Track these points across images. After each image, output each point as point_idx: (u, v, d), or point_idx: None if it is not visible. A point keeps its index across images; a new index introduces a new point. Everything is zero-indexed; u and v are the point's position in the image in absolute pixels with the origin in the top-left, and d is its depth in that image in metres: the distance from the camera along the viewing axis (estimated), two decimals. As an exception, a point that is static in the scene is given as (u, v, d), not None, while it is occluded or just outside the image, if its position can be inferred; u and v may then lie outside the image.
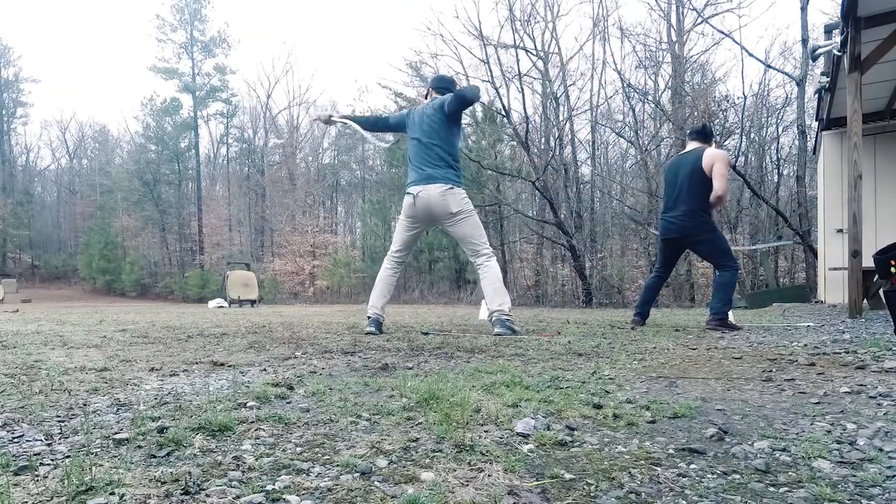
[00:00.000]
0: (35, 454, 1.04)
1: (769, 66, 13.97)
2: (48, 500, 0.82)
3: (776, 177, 15.73)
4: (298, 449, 1.08)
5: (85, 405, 1.45)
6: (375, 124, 4.23)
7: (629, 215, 14.34)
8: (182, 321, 5.32)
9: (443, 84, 3.95)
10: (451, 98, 3.59)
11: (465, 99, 3.58)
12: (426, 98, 3.96)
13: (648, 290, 4.40)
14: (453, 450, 1.07)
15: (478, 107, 17.48)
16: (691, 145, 4.19)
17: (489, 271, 3.64)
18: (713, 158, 3.90)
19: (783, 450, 1.08)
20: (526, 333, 3.61)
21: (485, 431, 1.20)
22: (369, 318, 3.73)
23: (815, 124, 9.21)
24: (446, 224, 3.71)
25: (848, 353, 2.41)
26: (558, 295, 15.01)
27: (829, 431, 1.21)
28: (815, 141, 9.06)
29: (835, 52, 5.29)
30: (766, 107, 14.67)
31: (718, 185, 3.87)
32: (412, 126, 3.80)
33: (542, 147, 15.25)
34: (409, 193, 3.72)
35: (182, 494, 0.84)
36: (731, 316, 4.06)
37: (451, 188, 3.62)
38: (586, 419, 1.32)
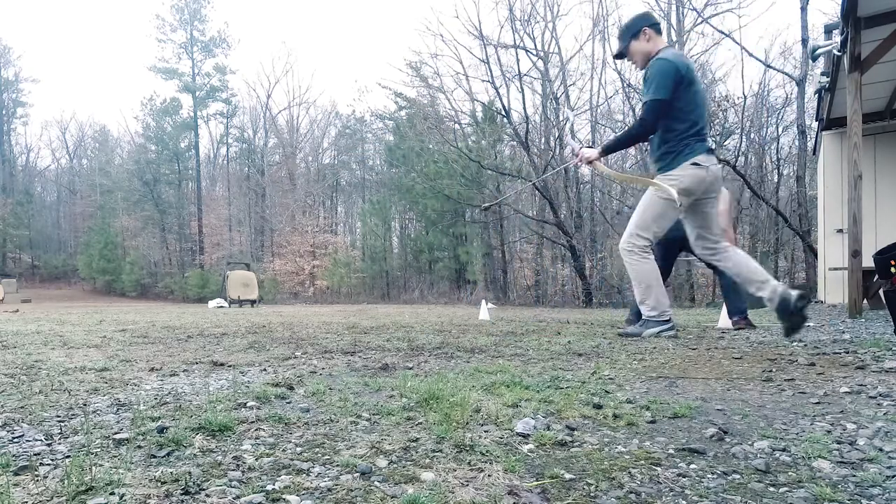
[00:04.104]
0: (35, 454, 1.03)
1: (769, 66, 13.97)
2: (48, 500, 0.82)
3: (776, 177, 15.74)
4: (298, 449, 1.08)
5: (85, 405, 1.45)
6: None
7: (627, 214, 14.36)
8: (182, 321, 5.32)
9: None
10: None
11: None
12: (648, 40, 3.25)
13: None
14: (453, 450, 1.07)
15: (478, 106, 17.52)
16: None
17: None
18: None
19: (783, 450, 1.08)
20: (525, 333, 3.60)
21: (485, 431, 1.20)
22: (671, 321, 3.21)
23: (815, 124, 9.21)
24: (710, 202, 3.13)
25: (848, 353, 2.41)
26: (558, 295, 15.02)
27: (829, 431, 1.21)
28: (815, 141, 9.06)
29: (835, 52, 5.29)
30: (766, 107, 14.69)
31: None
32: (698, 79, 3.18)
33: (542, 147, 15.25)
34: (699, 164, 2.99)
35: (182, 494, 0.84)
36: None
37: None
38: (586, 419, 1.32)
